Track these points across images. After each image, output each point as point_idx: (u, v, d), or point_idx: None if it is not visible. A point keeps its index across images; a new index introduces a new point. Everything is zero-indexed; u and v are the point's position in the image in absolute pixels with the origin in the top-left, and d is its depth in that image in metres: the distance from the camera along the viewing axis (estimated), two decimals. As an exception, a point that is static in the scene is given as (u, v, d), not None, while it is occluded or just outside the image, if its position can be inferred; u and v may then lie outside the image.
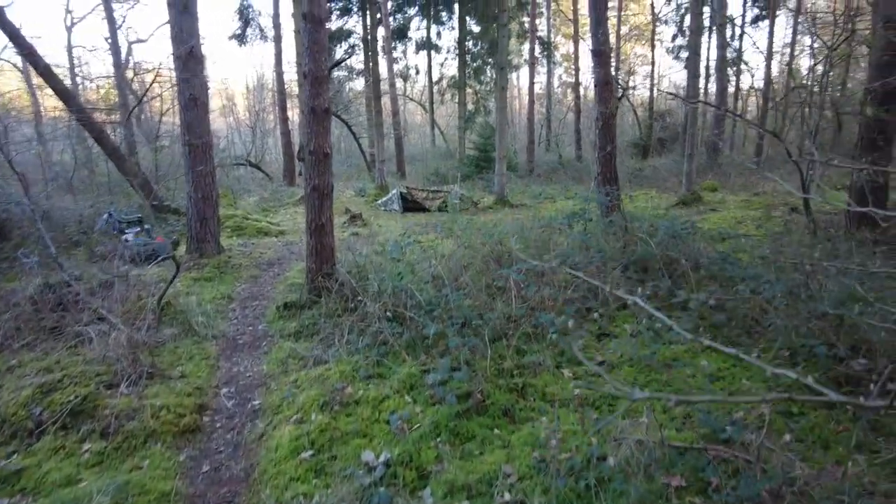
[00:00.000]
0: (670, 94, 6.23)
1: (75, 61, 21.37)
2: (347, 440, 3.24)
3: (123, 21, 21.04)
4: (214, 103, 36.31)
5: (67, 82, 16.41)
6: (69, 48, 20.86)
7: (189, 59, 7.13)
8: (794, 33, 23.21)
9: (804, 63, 25.26)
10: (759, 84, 19.98)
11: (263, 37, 18.40)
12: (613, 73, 12.63)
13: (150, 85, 8.14)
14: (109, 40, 16.38)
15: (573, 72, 28.36)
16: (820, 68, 11.24)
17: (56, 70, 11.70)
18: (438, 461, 2.99)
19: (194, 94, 7.30)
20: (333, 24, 21.56)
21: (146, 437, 3.29)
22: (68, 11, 24.99)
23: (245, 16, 17.41)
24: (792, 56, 23.68)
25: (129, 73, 18.95)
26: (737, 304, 4.48)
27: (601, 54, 8.80)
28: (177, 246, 9.00)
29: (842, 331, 3.78)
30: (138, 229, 9.02)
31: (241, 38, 17.71)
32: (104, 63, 17.04)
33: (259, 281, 7.28)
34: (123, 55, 18.25)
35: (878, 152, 7.18)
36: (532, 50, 23.48)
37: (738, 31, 22.68)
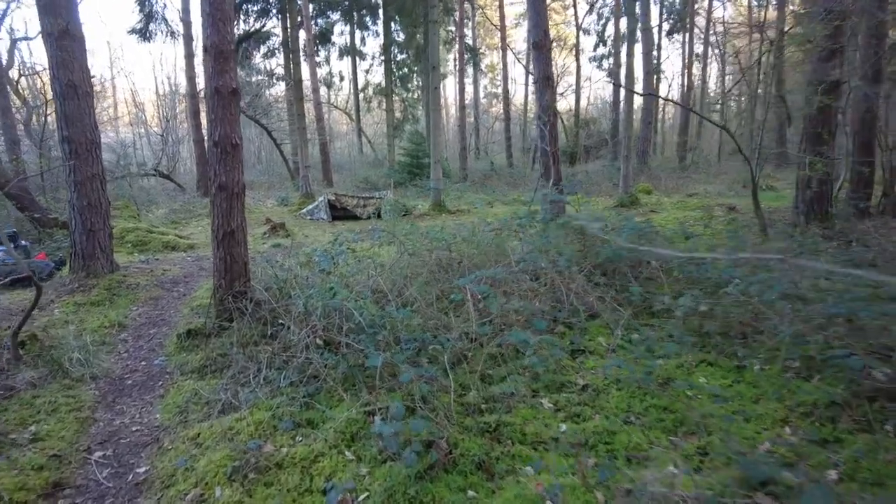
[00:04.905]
0: (619, 85, 5.72)
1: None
2: (266, 523, 2.33)
3: (4, 14, 18.53)
4: (120, 110, 33.56)
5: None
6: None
7: (63, 36, 5.86)
8: (706, 45, 24.29)
9: (714, 68, 26.50)
10: (674, 93, 20.53)
11: (171, 33, 16.72)
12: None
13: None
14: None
15: (499, 81, 28.34)
16: (765, 60, 11.18)
17: None
18: (397, 550, 2.14)
19: (73, 80, 6.03)
20: (252, 26, 20.22)
21: (-44, 547, 2.22)
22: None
23: (147, 9, 15.66)
24: (705, 64, 24.73)
25: (14, 73, 16.82)
26: (726, 308, 3.92)
27: (541, 47, 8.29)
28: (63, 264, 7.61)
29: (853, 335, 3.27)
30: (12, 245, 7.53)
31: (142, 32, 15.91)
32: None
33: (160, 303, 6.09)
34: (5, 52, 16.14)
35: (824, 145, 7.04)
36: (461, 54, 23.20)
37: (656, 41, 23.46)
